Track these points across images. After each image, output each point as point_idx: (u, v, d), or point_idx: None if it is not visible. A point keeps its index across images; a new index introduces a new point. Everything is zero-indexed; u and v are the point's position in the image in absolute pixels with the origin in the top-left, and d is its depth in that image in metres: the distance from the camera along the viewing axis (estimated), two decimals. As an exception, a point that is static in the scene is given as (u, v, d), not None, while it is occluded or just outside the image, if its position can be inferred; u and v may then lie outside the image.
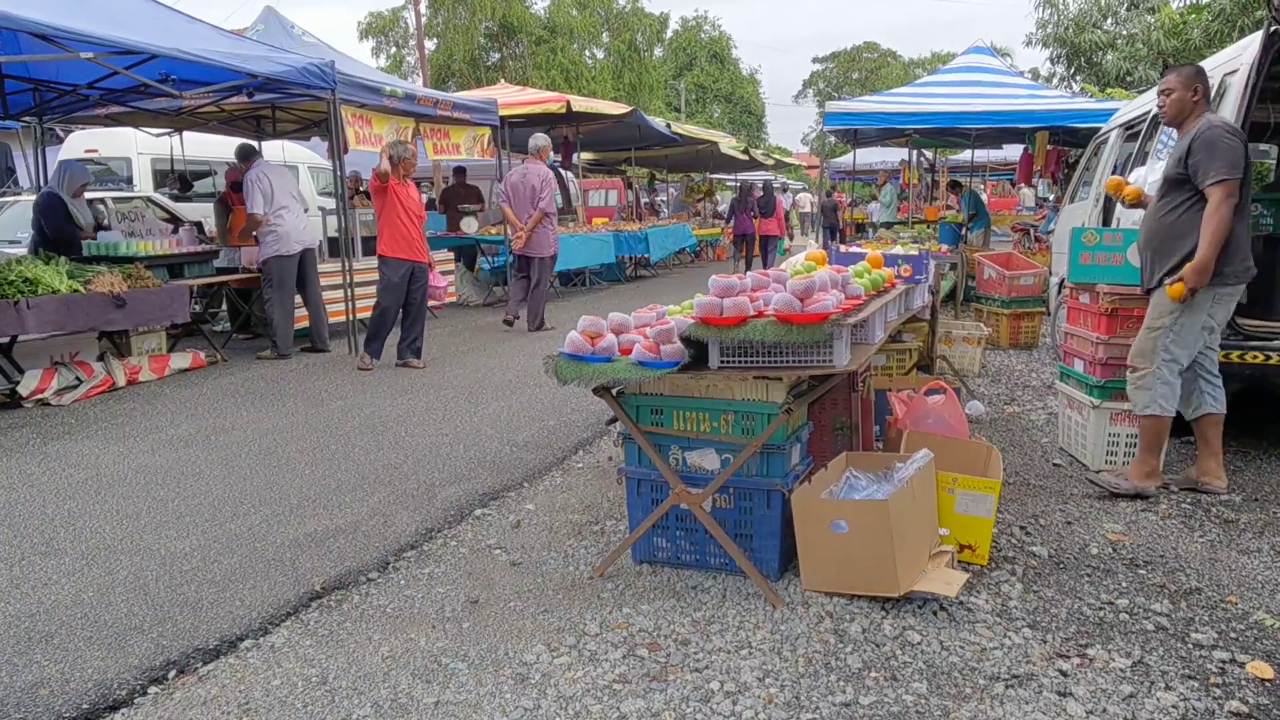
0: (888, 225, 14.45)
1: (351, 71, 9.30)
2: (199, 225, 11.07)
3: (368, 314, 9.94)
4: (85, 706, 2.86)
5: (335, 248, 9.67)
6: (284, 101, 10.07)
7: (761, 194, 17.37)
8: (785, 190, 29.78)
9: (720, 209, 27.04)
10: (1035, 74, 22.98)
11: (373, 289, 10.04)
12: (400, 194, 8.20)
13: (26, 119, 9.91)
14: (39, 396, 7.06)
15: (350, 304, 9.16)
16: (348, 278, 9.12)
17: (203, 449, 5.75)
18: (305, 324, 9.25)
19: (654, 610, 3.42)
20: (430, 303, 8.91)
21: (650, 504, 3.73)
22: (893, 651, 3.08)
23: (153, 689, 2.98)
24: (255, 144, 9.84)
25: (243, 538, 4.24)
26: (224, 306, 10.84)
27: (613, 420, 5.01)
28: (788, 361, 3.37)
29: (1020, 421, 6.18)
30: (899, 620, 3.28)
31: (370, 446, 5.75)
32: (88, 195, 12.11)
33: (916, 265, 5.24)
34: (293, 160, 14.20)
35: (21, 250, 9.23)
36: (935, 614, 3.32)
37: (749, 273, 3.72)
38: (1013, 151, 20.26)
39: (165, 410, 6.84)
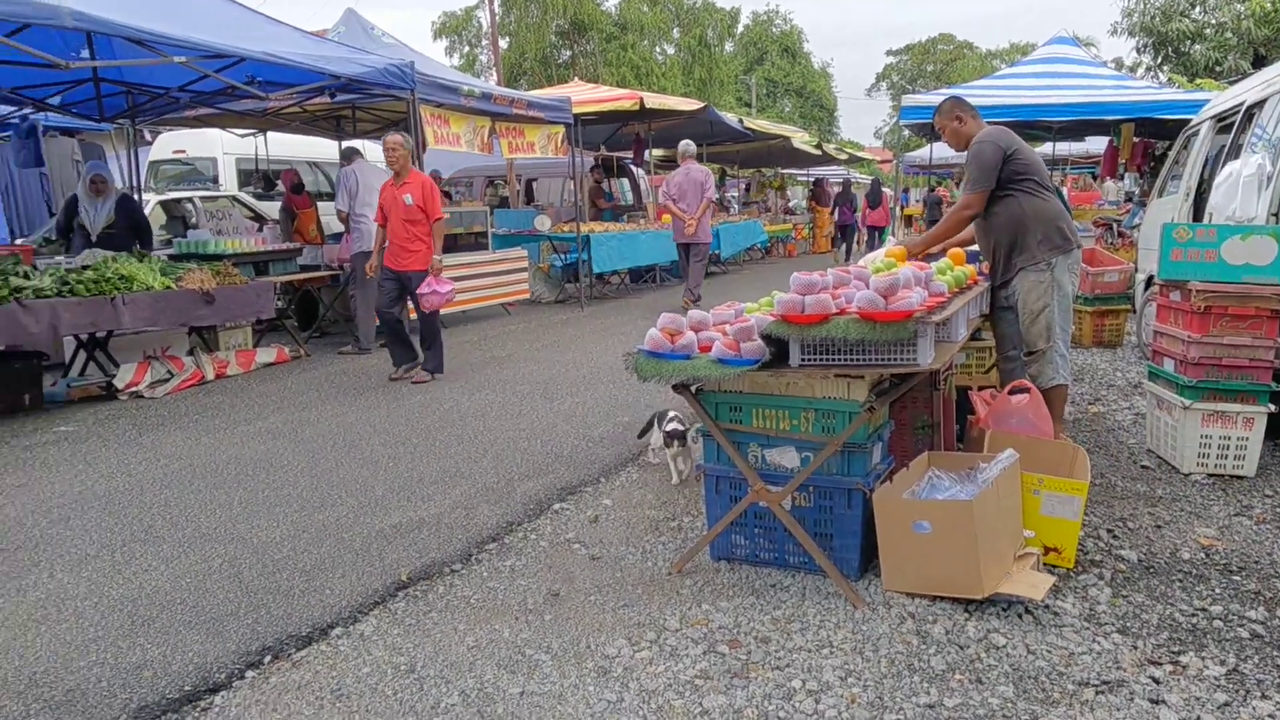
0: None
1: (430, 71, 9.47)
2: (280, 224, 11.39)
3: (446, 310, 10.13)
4: (187, 688, 2.98)
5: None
6: (364, 102, 10.30)
7: (870, 189, 20.27)
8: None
9: (791, 204, 26.91)
10: (1119, 64, 22.32)
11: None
12: (385, 200, 7.71)
13: (120, 121, 10.28)
14: (134, 389, 7.35)
15: (428, 300, 9.30)
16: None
17: (289, 441, 5.92)
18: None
19: (733, 607, 3.43)
20: (441, 308, 7.78)
21: (728, 501, 3.74)
22: (977, 654, 3.04)
23: (250, 673, 3.09)
24: (359, 145, 10.07)
25: (331, 528, 4.37)
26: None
27: (643, 433, 5.24)
28: (870, 360, 3.34)
29: (1105, 422, 6.03)
30: (983, 622, 3.23)
31: (450, 440, 5.86)
32: (174, 195, 12.56)
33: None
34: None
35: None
36: (1020, 617, 3.27)
37: (829, 270, 3.70)
38: (1095, 144, 19.73)
39: (252, 403, 7.06)
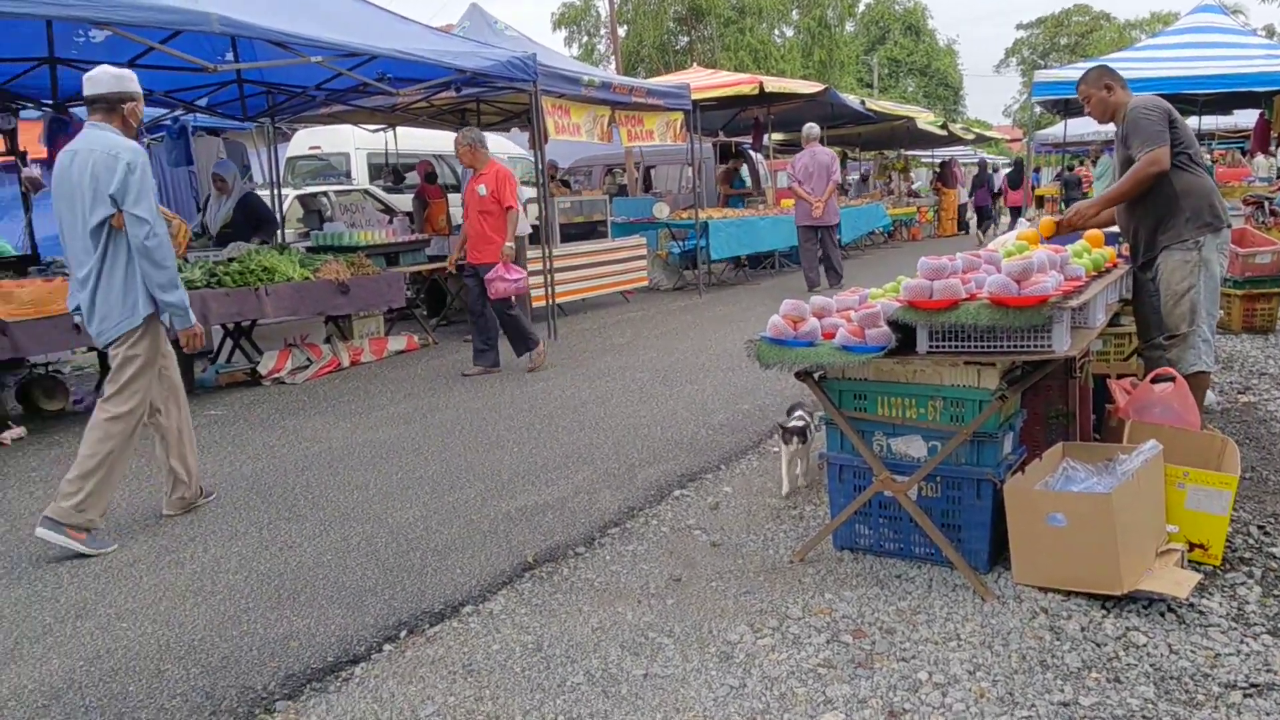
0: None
1: (551, 63, 9.61)
2: (410, 216, 11.77)
3: (566, 299, 10.35)
4: (330, 659, 3.14)
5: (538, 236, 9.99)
6: (488, 95, 10.54)
7: (1012, 169, 21.03)
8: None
9: (915, 186, 26.24)
10: (1270, 31, 20.87)
11: (571, 274, 10.45)
12: (465, 195, 7.79)
13: (261, 120, 10.80)
14: (276, 376, 7.74)
15: (550, 289, 9.48)
16: (548, 264, 9.46)
17: (420, 426, 6.13)
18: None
19: (857, 597, 3.40)
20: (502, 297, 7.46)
21: (852, 490, 3.70)
22: (1115, 652, 2.93)
23: (387, 646, 3.24)
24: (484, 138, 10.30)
25: (460, 510, 4.51)
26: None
27: (792, 410, 4.85)
28: (1002, 346, 3.24)
29: (1256, 412, 5.68)
30: (1121, 620, 3.11)
31: (572, 426, 5.96)
32: (310, 189, 13.11)
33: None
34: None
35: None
36: (1162, 615, 3.13)
37: (959, 254, 3.60)
38: (1245, 118, 18.55)
39: (385, 390, 7.34)
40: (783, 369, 3.51)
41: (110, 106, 4.28)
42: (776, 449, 5.27)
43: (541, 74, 8.99)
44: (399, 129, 12.99)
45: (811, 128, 12.52)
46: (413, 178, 14.54)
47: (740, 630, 3.20)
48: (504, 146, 15.61)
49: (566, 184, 15.72)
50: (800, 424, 4.54)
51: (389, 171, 14.26)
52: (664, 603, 3.46)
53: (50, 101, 8.43)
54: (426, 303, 11.12)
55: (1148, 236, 4.63)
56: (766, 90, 14.01)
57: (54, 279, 6.41)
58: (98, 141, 4.20)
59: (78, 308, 4.38)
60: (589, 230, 11.44)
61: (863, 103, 17.74)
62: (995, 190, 23.10)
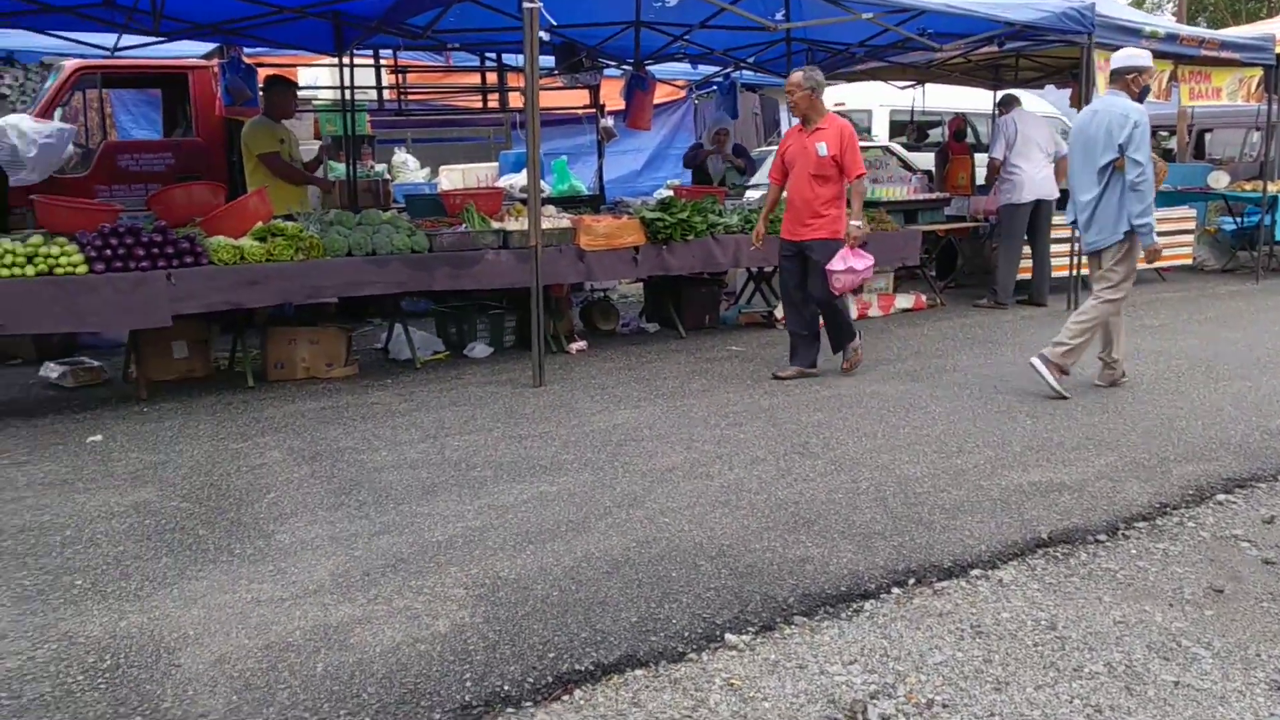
0: None
1: (1109, 13, 8.81)
2: (929, 174, 11.62)
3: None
4: (843, 589, 3.33)
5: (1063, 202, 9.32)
6: (1030, 49, 9.97)
7: None
8: None
9: None
10: None
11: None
12: (789, 152, 6.31)
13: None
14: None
15: (1074, 259, 8.83)
16: (1076, 233, 8.79)
17: (928, 385, 6.14)
18: (1028, 275, 9.20)
19: None
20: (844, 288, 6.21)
21: None
22: None
23: (895, 590, 3.35)
24: (1016, 94, 9.88)
25: (967, 473, 4.47)
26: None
27: None
28: None
29: None
30: None
31: (1093, 407, 5.58)
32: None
33: None
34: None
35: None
36: None
37: None
38: None
39: (892, 345, 7.43)
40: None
41: (1119, 78, 5.77)
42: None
43: (1098, 25, 8.30)
44: (926, 86, 12.80)
45: None
46: (935, 135, 14.30)
47: (1299, 662, 2.82)
48: (1037, 105, 14.66)
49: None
50: None
51: (913, 129, 14.15)
52: (1201, 612, 3.15)
53: (631, 61, 9.62)
54: (937, 262, 10.96)
55: None
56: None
57: (621, 216, 7.38)
58: (1114, 105, 5.64)
59: (1074, 220, 5.95)
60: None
61: None
62: None
